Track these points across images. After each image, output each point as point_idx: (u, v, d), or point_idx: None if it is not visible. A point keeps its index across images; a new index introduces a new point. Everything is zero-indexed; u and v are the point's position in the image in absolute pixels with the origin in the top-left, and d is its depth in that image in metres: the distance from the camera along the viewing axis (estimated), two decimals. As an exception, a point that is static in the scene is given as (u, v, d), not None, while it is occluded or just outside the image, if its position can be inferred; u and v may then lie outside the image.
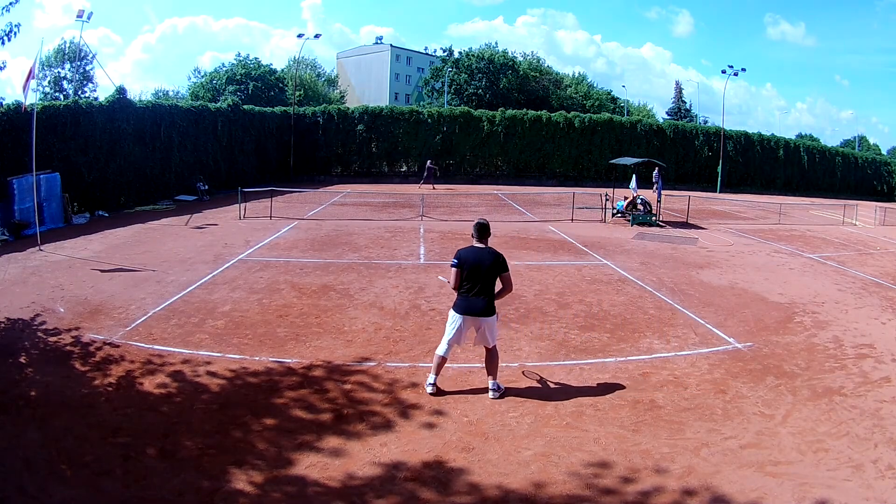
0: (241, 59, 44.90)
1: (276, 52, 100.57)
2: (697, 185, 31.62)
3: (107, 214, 16.23)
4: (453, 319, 5.27)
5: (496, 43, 57.20)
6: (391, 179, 31.10)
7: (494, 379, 5.34)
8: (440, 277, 5.76)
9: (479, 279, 5.17)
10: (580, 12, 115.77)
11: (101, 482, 3.93)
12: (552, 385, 5.62)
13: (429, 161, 28.27)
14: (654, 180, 18.85)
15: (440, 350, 5.34)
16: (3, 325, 6.96)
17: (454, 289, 5.32)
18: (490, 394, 5.28)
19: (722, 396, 5.44)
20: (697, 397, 5.41)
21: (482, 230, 5.31)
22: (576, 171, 32.65)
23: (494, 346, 5.33)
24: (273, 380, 5.60)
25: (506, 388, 5.42)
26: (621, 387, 5.59)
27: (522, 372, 5.88)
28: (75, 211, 15.31)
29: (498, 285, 5.31)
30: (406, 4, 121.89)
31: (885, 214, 21.16)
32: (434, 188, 25.98)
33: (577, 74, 60.30)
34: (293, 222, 15.54)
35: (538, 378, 5.74)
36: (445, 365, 5.46)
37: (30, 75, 11.34)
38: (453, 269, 5.24)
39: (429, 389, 5.33)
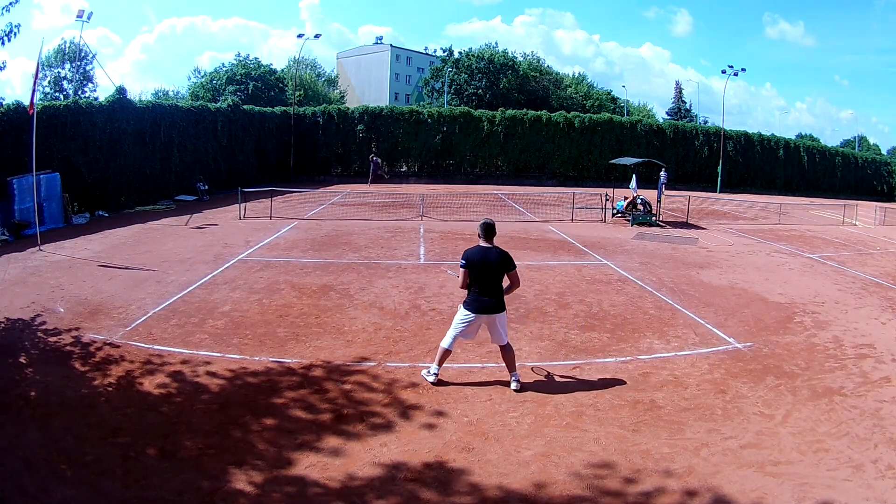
0: (241, 59, 44.87)
1: (275, 52, 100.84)
2: (697, 185, 31.58)
3: (107, 214, 16.23)
4: (464, 317, 5.39)
5: (496, 43, 57.28)
6: (391, 179, 31.09)
7: (514, 372, 5.49)
8: (448, 271, 5.87)
9: (489, 278, 5.31)
10: (579, 12, 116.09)
11: (101, 482, 3.92)
12: (552, 385, 5.62)
13: (372, 155, 28.09)
14: (661, 181, 18.86)
15: (446, 343, 5.47)
16: (3, 325, 6.96)
17: (462, 287, 5.46)
18: (512, 385, 5.42)
19: (722, 396, 5.44)
20: (697, 397, 5.42)
21: (488, 230, 5.43)
22: (576, 171, 32.63)
23: (507, 342, 5.47)
24: (273, 380, 5.60)
25: (504, 388, 5.45)
26: (621, 387, 5.59)
27: (531, 369, 5.93)
28: (75, 211, 15.31)
29: (505, 282, 5.44)
30: (404, 4, 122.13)
31: (885, 214, 21.15)
32: (370, 185, 25.64)
33: (576, 74, 60.37)
34: (293, 222, 15.53)
35: (545, 374, 5.81)
36: (445, 365, 5.58)
37: (35, 79, 11.37)
38: (462, 270, 5.35)
39: (430, 379, 5.48)
